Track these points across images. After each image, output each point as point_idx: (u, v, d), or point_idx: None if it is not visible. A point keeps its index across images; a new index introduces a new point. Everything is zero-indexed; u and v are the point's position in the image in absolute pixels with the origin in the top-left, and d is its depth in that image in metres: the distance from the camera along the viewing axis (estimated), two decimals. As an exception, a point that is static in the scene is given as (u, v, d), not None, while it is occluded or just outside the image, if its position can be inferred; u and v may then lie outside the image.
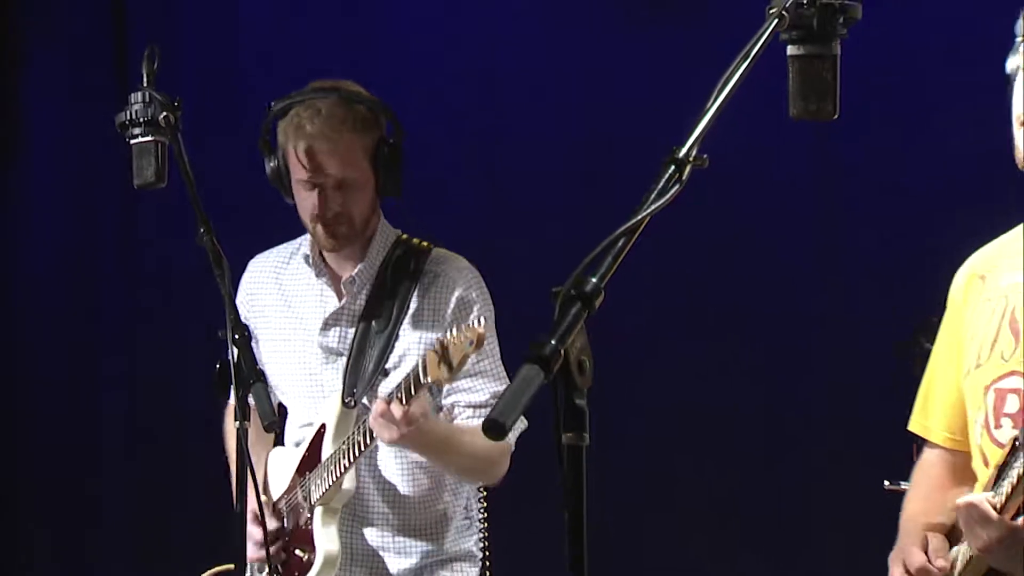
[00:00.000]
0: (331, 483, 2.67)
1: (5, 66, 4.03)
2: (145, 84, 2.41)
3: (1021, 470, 1.89)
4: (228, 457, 2.89)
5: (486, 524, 2.90)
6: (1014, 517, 1.91)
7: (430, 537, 2.78)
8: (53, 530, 4.43)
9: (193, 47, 4.00)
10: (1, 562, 4.41)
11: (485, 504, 2.93)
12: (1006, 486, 1.90)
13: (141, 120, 2.38)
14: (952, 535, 2.10)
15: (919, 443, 2.26)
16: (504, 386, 2.65)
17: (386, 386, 2.67)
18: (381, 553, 2.78)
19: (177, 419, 4.16)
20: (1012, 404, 2.02)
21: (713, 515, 3.99)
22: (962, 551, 2.04)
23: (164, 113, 2.38)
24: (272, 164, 2.73)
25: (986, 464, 2.03)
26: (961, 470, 2.18)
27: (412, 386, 2.45)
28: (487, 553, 2.89)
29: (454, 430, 2.70)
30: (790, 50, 1.61)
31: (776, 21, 1.58)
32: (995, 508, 1.91)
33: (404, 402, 2.46)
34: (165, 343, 4.22)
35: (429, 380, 2.42)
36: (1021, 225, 2.14)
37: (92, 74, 4.03)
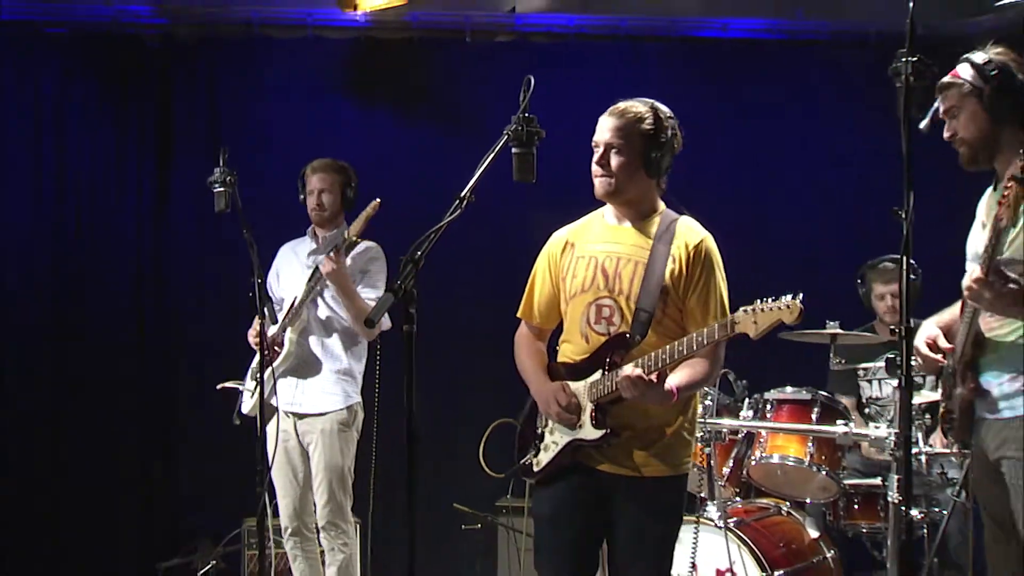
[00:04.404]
0: (295, 314, 5.10)
1: (166, 159, 7.09)
2: (221, 164, 4.54)
3: (661, 362, 3.49)
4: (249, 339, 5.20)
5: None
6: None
7: (342, 355, 5.18)
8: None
9: (249, 147, 6.75)
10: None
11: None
12: (655, 363, 3.51)
13: (218, 180, 4.55)
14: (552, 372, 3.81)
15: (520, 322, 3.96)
16: (381, 292, 5.04)
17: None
18: (318, 356, 5.16)
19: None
20: (605, 312, 3.69)
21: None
22: (590, 384, 3.62)
23: (228, 177, 4.51)
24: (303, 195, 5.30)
25: (587, 341, 3.69)
26: (539, 336, 3.92)
27: (340, 244, 4.91)
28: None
29: (355, 291, 5.04)
30: (513, 150, 3.30)
31: (507, 136, 3.31)
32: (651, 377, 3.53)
33: (335, 254, 4.90)
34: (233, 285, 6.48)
35: (349, 237, 4.91)
36: (590, 215, 3.88)
37: (201, 159, 6.66)
